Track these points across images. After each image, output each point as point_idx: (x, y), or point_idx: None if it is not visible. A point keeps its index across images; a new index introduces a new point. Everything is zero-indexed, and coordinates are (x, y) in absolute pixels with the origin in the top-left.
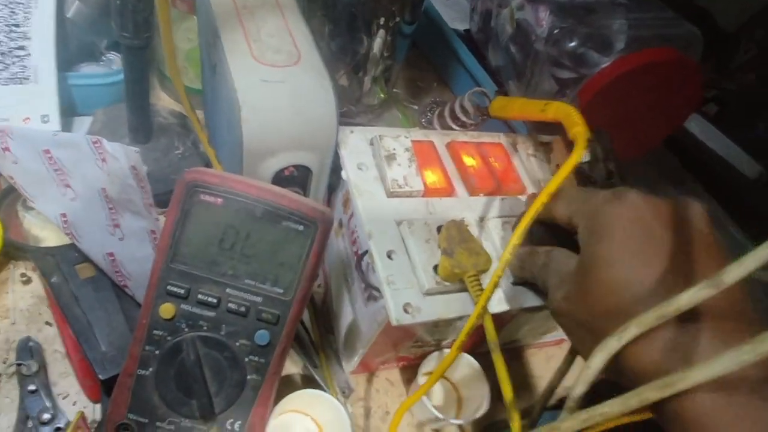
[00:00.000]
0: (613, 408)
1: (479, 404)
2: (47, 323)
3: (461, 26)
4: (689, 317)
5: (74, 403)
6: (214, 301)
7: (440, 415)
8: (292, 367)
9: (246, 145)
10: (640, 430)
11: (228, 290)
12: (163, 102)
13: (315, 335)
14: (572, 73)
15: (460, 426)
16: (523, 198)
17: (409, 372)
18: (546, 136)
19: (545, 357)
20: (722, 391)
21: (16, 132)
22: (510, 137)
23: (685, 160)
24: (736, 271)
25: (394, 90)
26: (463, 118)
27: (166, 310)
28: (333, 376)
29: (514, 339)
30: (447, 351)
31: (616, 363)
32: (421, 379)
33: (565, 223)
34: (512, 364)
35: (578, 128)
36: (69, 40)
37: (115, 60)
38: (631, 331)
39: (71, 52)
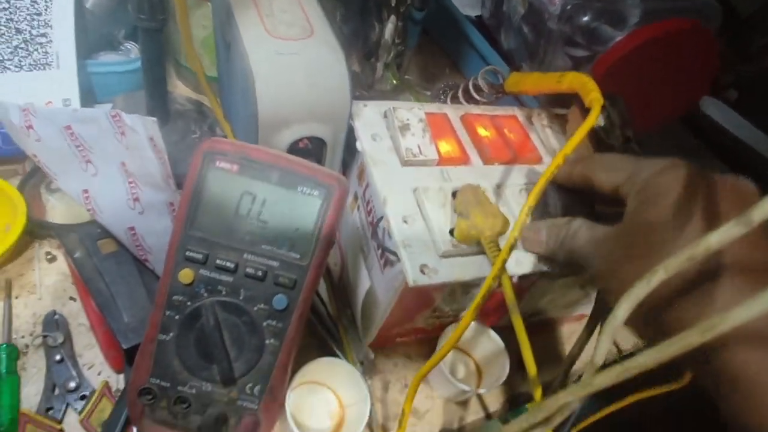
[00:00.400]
0: (650, 357)
1: (499, 375)
2: (71, 298)
3: (472, 12)
4: (715, 264)
5: (99, 373)
6: (232, 266)
7: (459, 385)
8: (311, 340)
9: (261, 117)
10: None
11: (245, 255)
12: (180, 90)
13: (333, 309)
14: (586, 50)
15: (482, 400)
16: (539, 168)
17: (427, 346)
18: (560, 109)
19: (567, 333)
20: (765, 344)
21: (39, 110)
22: (524, 111)
23: (708, 145)
24: (765, 208)
25: (407, 76)
26: (477, 97)
27: (186, 275)
28: (351, 348)
29: (535, 311)
30: None
31: (647, 315)
32: None
33: (610, 192)
34: (533, 340)
35: (594, 94)
36: (88, 29)
37: (132, 49)
38: (659, 275)
39: (90, 41)
